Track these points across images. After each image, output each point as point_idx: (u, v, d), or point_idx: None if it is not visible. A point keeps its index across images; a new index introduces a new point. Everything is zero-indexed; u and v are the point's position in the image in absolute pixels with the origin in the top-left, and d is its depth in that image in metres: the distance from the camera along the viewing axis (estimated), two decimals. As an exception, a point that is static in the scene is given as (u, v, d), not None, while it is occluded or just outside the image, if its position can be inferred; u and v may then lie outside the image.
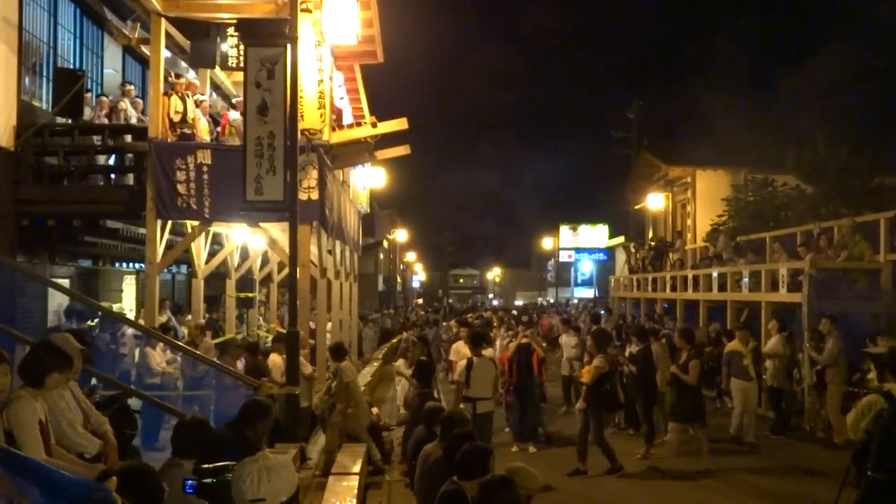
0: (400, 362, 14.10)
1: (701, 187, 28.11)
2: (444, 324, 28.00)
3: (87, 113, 13.55)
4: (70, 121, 13.05)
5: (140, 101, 14.43)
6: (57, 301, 13.27)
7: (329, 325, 15.93)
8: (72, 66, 14.35)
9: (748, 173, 25.69)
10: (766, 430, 13.43)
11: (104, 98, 14.05)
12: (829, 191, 21.03)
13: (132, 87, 14.48)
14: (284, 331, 11.10)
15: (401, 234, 57.99)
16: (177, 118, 12.44)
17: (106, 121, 13.51)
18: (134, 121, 13.54)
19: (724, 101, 29.55)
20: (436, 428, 6.79)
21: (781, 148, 22.97)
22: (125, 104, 13.67)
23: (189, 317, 14.22)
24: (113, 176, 13.40)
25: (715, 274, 18.82)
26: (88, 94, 14.02)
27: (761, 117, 27.54)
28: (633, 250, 29.89)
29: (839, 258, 14.76)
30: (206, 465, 3.81)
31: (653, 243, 28.34)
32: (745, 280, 16.95)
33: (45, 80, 13.66)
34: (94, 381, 7.90)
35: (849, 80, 28.72)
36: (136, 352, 11.75)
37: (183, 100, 12.61)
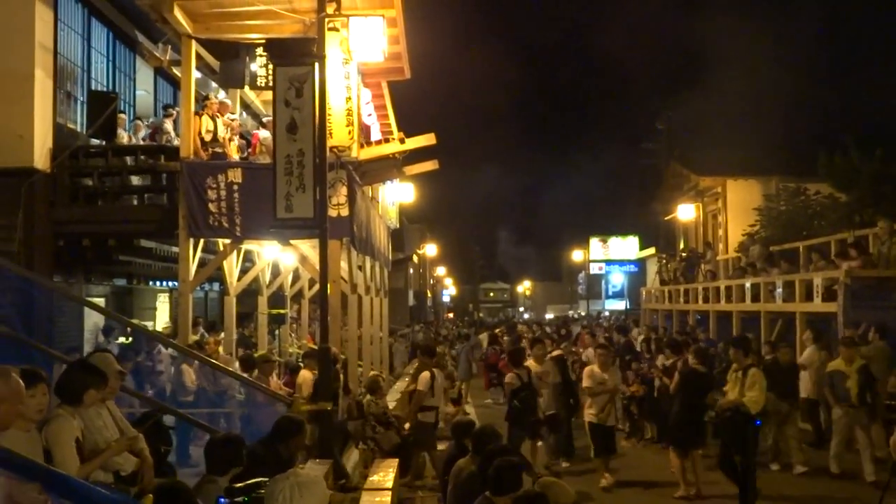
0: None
1: (732, 197, 27.83)
2: (477, 337, 27.95)
3: (122, 135, 13.77)
4: (104, 142, 13.29)
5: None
6: (92, 320, 13.45)
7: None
8: (105, 89, 14.60)
9: (779, 182, 25.42)
10: (803, 443, 13.21)
11: (139, 122, 14.28)
12: (863, 198, 20.74)
13: (174, 109, 14.69)
14: (315, 346, 11.17)
15: (430, 249, 58.00)
16: (208, 137, 12.60)
17: (141, 143, 13.73)
18: (176, 142, 13.75)
19: (754, 110, 29.33)
20: (466, 442, 6.79)
21: (814, 156, 22.71)
22: (169, 126, 13.88)
23: (222, 334, 14.34)
24: (146, 196, 13.59)
25: (748, 284, 18.63)
26: (123, 116, 14.26)
27: (792, 125, 27.28)
28: (664, 262, 29.68)
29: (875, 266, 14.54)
30: (238, 484, 3.85)
31: (684, 254, 28.13)
32: (779, 290, 16.75)
33: (79, 102, 13.91)
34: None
35: (882, 87, 28.39)
36: (172, 369, 11.87)
37: (213, 119, 12.78)
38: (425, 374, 10.01)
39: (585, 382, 11.44)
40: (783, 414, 12.06)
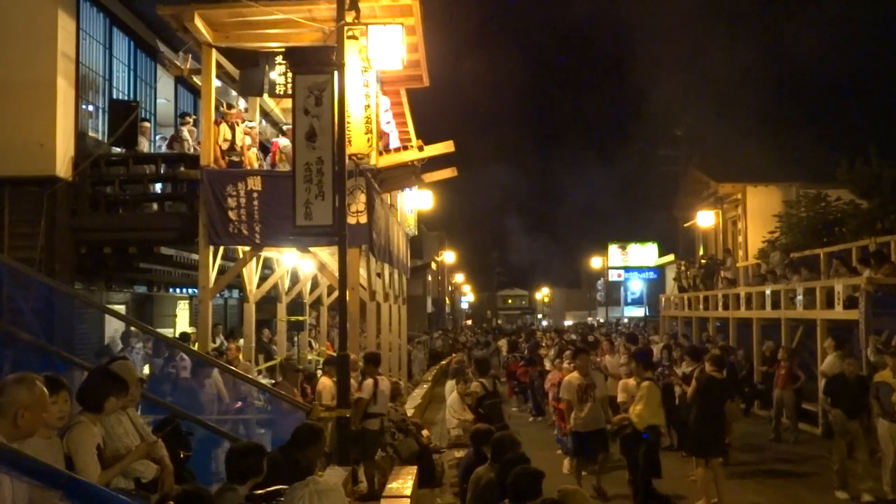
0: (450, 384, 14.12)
1: (752, 203, 27.66)
2: (496, 344, 27.93)
3: (144, 143, 13.87)
4: (125, 151, 13.39)
5: (194, 129, 14.76)
6: (113, 327, 13.54)
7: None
8: (126, 98, 14.73)
9: (800, 188, 25.23)
10: (825, 451, 13.08)
11: (145, 123, 14.37)
12: (885, 205, 20.55)
13: (190, 117, 14.79)
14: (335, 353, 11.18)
15: (449, 256, 58.05)
16: (225, 146, 12.68)
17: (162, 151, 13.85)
18: (192, 151, 13.85)
19: (774, 116, 29.15)
20: (485, 450, 6.77)
21: (834, 162, 22.53)
22: (186, 134, 13.98)
23: (241, 341, 14.40)
24: (167, 204, 13.68)
25: (768, 291, 18.49)
26: (147, 124, 14.36)
27: (813, 131, 27.10)
28: (683, 268, 29.52)
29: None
30: (258, 491, 3.85)
31: (703, 261, 27.96)
32: (800, 297, 16.61)
33: (101, 111, 14.04)
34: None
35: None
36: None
37: (232, 128, 12.85)
38: (368, 382, 10.02)
39: (620, 397, 10.83)
40: (852, 435, 10.70)
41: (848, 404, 10.76)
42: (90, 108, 13.80)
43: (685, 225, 34.67)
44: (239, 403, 10.86)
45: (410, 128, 17.75)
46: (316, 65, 9.71)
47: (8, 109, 11.97)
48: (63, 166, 12.25)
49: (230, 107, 13.36)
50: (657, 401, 10.11)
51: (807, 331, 16.36)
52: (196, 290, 13.57)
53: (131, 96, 15.00)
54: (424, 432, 11.73)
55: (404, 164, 13.73)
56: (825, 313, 15.30)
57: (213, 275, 12.39)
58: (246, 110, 15.07)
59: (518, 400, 20.83)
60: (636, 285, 56.60)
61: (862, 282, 14.05)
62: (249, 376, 10.91)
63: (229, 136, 12.82)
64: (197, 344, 12.32)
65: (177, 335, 16.53)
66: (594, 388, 10.62)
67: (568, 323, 67.08)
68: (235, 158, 12.82)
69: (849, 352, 13.53)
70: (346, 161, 9.79)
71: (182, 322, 18.65)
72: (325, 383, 10.61)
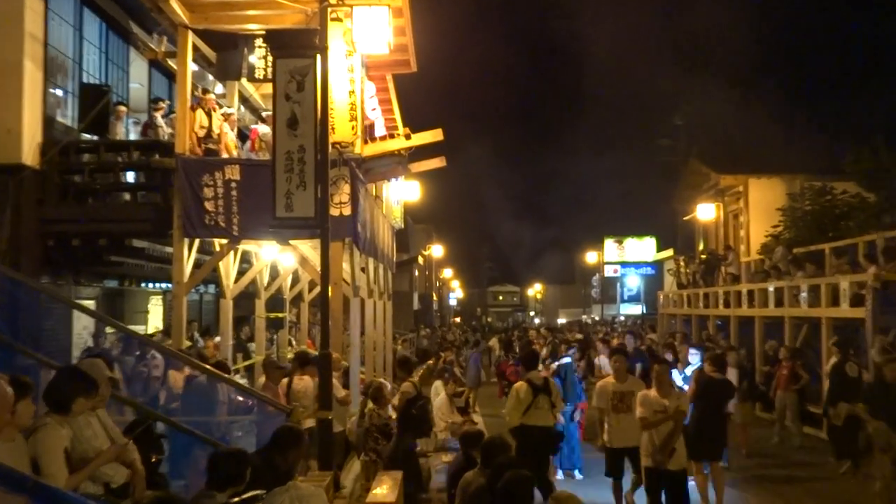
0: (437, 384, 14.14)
1: (754, 196, 27.78)
2: (487, 343, 27.98)
3: (120, 129, 13.78)
4: (97, 138, 13.30)
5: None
6: (82, 323, 13.45)
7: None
8: (97, 82, 14.63)
9: (804, 181, 25.36)
10: (829, 455, 13.16)
11: (121, 107, 14.27)
12: (892, 198, 20.67)
13: (163, 102, 14.71)
14: (316, 352, 11.18)
15: (437, 250, 58.11)
16: (201, 133, 12.62)
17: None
18: (167, 138, 13.77)
19: (777, 105, 29.26)
20: (474, 453, 6.77)
21: (840, 153, 22.65)
22: (160, 120, 13.90)
23: (217, 338, 14.35)
24: (139, 194, 13.61)
25: (771, 288, 18.57)
26: (124, 108, 14.26)
27: (817, 120, 27.23)
28: (682, 264, 29.63)
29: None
30: (235, 499, 3.83)
31: (703, 256, 28.08)
32: (804, 294, 16.69)
33: (70, 96, 13.94)
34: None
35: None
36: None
37: (208, 115, 12.78)
38: (283, 382, 10.28)
39: (640, 412, 9.08)
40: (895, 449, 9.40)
41: (890, 411, 9.56)
42: (59, 92, 13.71)
43: (685, 218, 34.78)
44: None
45: (397, 115, 17.70)
46: (298, 48, 9.66)
47: (-29, 94, 11.87)
48: (30, 154, 12.14)
49: (205, 91, 13.28)
50: (516, 402, 9.94)
51: (811, 329, 16.43)
52: (170, 285, 13.51)
53: (103, 80, 14.90)
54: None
55: (390, 153, 13.69)
56: (830, 311, 15.37)
57: (188, 269, 12.33)
58: (224, 96, 15.00)
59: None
60: (633, 281, 56.82)
61: (868, 278, 14.12)
62: (227, 375, 10.84)
63: (205, 123, 12.76)
64: (170, 342, 12.26)
65: (150, 332, 16.47)
66: (632, 397, 9.51)
67: (562, 321, 67.23)
68: (212, 146, 12.75)
69: (847, 351, 13.52)
70: (330, 149, 9.74)
71: (155, 318, 18.57)
72: (307, 383, 10.59)
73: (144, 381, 11.70)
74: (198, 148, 12.44)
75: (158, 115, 14.03)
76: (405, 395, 11.15)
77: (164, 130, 13.80)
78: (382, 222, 17.06)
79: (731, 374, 12.75)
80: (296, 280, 18.86)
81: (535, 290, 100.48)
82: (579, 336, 25.21)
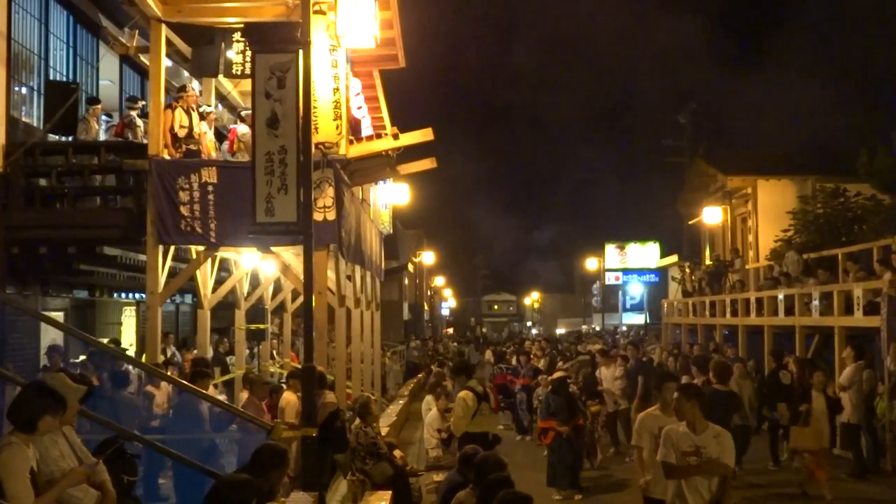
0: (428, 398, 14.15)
1: (763, 199, 27.85)
2: (481, 356, 27.99)
3: (94, 128, 13.73)
4: (64, 138, 13.26)
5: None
6: (50, 336, 13.42)
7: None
8: (65, 79, 14.60)
9: (816, 182, 25.45)
10: (842, 473, 13.19)
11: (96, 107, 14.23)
12: (909, 200, 20.78)
13: (140, 101, 14.68)
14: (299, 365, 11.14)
15: (428, 257, 58.09)
16: (182, 133, 12.57)
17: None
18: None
19: (788, 103, 29.37)
20: (470, 474, 6.77)
21: (854, 153, 22.74)
22: (139, 121, 13.85)
23: (195, 351, 14.31)
24: (111, 198, 13.57)
25: (781, 296, 18.63)
26: (99, 107, 14.19)
27: (830, 119, 27.35)
28: (687, 271, 29.70)
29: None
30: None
31: (710, 262, 28.14)
32: (816, 302, 16.75)
33: (35, 93, 13.91)
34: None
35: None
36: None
37: (188, 113, 12.75)
38: None
39: (661, 453, 7.20)
40: None
41: None
42: (23, 90, 13.69)
43: (690, 222, 34.88)
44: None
45: (385, 114, 17.71)
46: (278, 42, 9.64)
47: (-70, 91, 11.85)
48: (-7, 156, 12.12)
49: (183, 88, 13.25)
50: (463, 410, 10.65)
51: (824, 339, 16.47)
52: (144, 296, 13.47)
53: (70, 77, 14.89)
54: (397, 453, 11.67)
55: (378, 153, 13.69)
56: (843, 320, 15.43)
57: (162, 278, 12.29)
58: (200, 93, 14.98)
59: (506, 416, 20.86)
60: (636, 289, 56.84)
61: (884, 285, 14.17)
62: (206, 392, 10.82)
63: (186, 123, 12.70)
64: (144, 355, 12.23)
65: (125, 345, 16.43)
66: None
67: (560, 331, 67.28)
68: (193, 147, 12.69)
69: (869, 362, 13.68)
70: (313, 150, 9.74)
71: (128, 330, 18.53)
72: (289, 399, 10.58)
73: (114, 398, 11.67)
74: (174, 149, 12.39)
75: (134, 113, 13.98)
76: (326, 406, 10.96)
77: (142, 131, 13.78)
78: (369, 228, 17.05)
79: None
80: (278, 289, 18.83)
81: (533, 298, 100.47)
82: (596, 346, 25.00)
